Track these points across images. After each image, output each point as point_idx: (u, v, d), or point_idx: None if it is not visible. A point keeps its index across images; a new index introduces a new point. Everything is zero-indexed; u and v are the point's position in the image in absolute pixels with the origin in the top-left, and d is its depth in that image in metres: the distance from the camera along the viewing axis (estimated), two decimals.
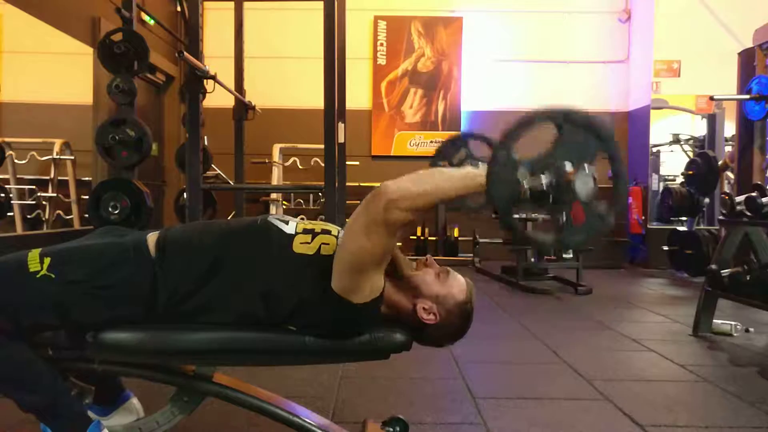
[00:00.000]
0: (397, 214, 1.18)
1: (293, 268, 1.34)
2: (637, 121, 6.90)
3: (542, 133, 1.19)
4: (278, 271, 1.33)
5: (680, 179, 6.06)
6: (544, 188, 1.16)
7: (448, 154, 1.57)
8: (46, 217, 4.71)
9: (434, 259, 1.49)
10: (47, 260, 1.29)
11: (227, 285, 1.33)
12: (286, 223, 1.42)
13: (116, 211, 3.29)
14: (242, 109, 4.55)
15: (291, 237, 1.38)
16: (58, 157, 4.72)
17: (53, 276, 1.27)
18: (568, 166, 1.15)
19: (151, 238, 1.38)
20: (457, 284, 1.43)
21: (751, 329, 3.35)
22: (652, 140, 6.69)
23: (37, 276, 1.27)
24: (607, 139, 1.16)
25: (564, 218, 1.16)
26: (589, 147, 1.17)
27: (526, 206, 1.20)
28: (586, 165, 1.15)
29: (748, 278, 3.05)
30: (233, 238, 1.39)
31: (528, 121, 1.16)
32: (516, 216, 1.22)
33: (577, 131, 1.17)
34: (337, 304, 1.29)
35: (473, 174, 1.22)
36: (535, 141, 1.20)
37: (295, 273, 1.33)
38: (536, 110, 1.18)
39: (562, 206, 1.17)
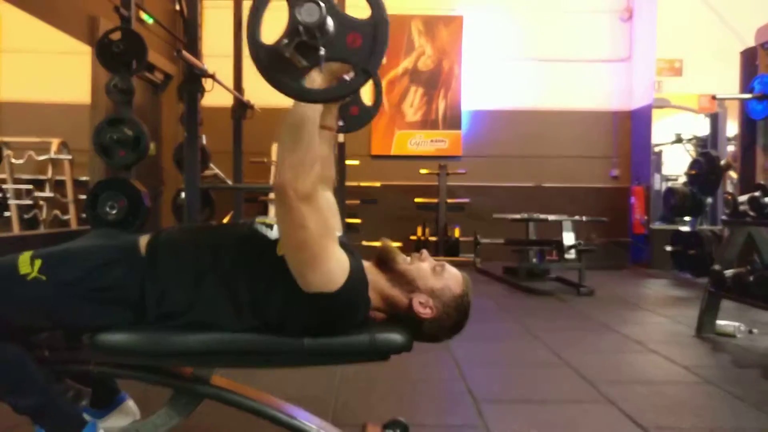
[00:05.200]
0: (305, 186, 1.14)
1: (277, 271, 1.30)
2: (639, 121, 6.88)
3: None
4: (262, 276, 1.32)
5: (683, 179, 6.04)
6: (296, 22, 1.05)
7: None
8: (43, 217, 4.69)
9: (433, 259, 1.47)
10: (38, 262, 1.28)
11: (216, 291, 1.32)
12: (271, 228, 1.40)
13: (113, 211, 3.26)
14: (241, 108, 4.53)
15: (275, 242, 1.35)
16: (55, 156, 4.71)
17: (44, 278, 1.26)
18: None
19: (143, 241, 1.37)
20: (453, 277, 1.42)
21: (755, 330, 3.33)
22: (655, 140, 6.69)
23: (28, 278, 1.26)
24: (375, 57, 1.06)
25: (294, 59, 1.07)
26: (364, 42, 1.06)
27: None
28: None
29: (751, 279, 3.03)
30: (221, 244, 1.37)
31: None
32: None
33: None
34: (318, 302, 1.25)
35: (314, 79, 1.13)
36: None
37: (278, 276, 1.30)
38: None
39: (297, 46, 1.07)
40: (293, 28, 1.06)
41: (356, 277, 1.28)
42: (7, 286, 1.27)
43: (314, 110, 1.17)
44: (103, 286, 1.28)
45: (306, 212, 1.16)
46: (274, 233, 1.38)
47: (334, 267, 1.24)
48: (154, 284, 1.30)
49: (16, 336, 1.30)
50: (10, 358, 1.28)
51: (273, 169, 6.31)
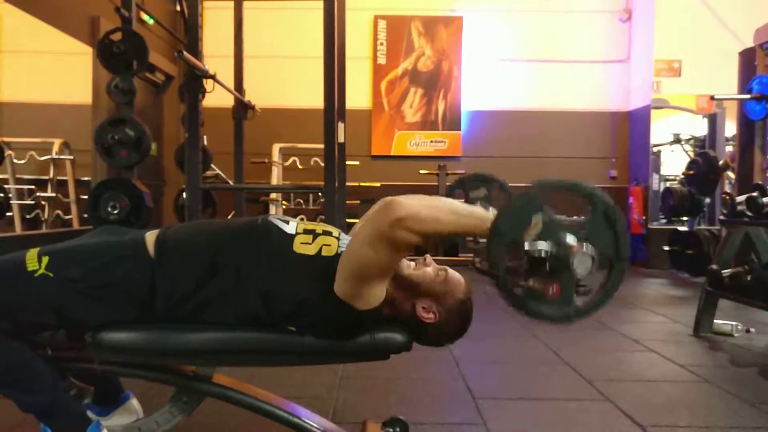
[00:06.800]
0: (403, 235, 1.17)
1: (294, 268, 1.33)
2: (637, 121, 6.90)
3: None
4: (278, 271, 1.33)
5: (681, 179, 6.06)
6: (542, 255, 1.11)
7: (468, 187, 1.53)
8: (45, 217, 4.70)
9: (434, 259, 1.48)
10: (45, 259, 1.28)
11: (226, 285, 1.32)
12: (287, 223, 1.42)
13: (115, 211, 3.28)
14: (242, 108, 4.55)
15: (292, 237, 1.37)
16: (57, 157, 4.72)
17: (51, 275, 1.26)
18: (571, 239, 1.11)
19: (150, 237, 1.37)
20: (456, 283, 1.43)
21: (752, 329, 3.34)
22: (653, 140, 6.69)
23: (35, 275, 1.26)
24: (622, 243, 1.14)
25: (553, 290, 1.13)
26: (603, 236, 1.14)
27: (521, 268, 1.14)
28: (589, 245, 1.12)
29: (748, 278, 3.05)
30: (233, 238, 1.38)
31: (564, 186, 1.16)
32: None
33: (601, 221, 1.15)
34: (339, 308, 1.28)
35: (482, 216, 1.19)
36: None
37: (296, 273, 1.32)
38: (578, 183, 1.18)
39: (556, 278, 1.13)
40: (537, 262, 1.12)
41: (380, 308, 1.34)
42: (15, 282, 1.27)
43: (460, 226, 1.21)
44: (110, 283, 1.28)
45: (385, 245, 1.20)
46: (290, 228, 1.40)
47: (373, 294, 1.30)
48: (164, 280, 1.30)
49: (23, 334, 1.30)
50: (17, 356, 1.29)
51: (275, 169, 6.33)
